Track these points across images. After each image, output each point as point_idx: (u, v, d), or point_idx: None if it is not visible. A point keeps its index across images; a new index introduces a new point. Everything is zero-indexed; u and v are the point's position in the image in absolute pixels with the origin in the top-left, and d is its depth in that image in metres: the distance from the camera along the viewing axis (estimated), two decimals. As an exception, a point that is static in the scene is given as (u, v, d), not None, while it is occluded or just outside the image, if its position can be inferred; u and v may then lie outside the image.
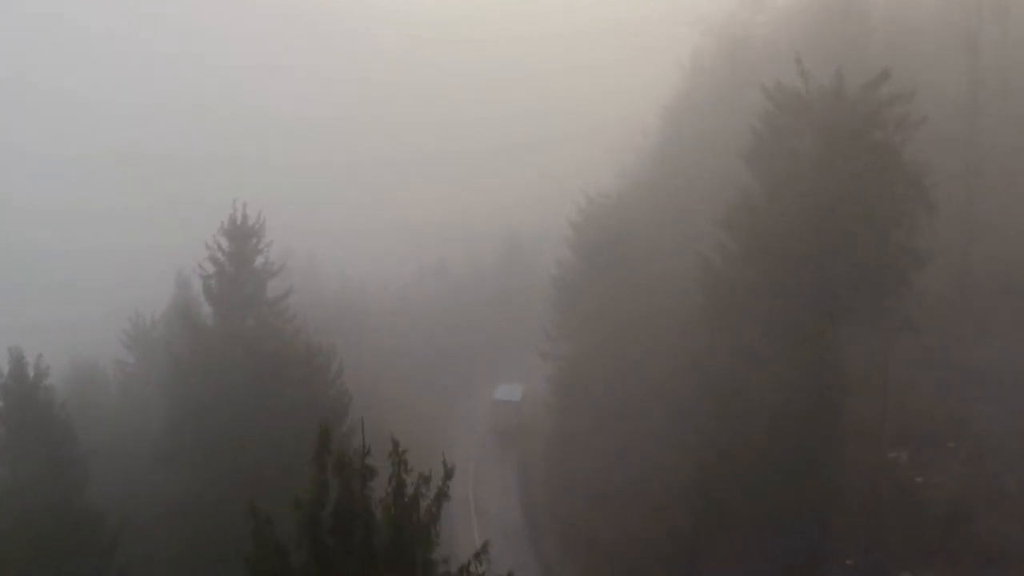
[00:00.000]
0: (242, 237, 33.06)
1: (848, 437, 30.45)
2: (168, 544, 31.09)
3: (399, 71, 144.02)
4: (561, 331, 52.32)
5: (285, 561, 13.99)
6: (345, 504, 13.91)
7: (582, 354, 48.67)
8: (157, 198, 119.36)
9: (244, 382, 30.57)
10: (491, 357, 68.62)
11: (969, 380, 34.91)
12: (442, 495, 14.45)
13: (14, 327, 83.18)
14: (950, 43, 41.67)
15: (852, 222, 28.39)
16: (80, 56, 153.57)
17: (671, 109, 63.63)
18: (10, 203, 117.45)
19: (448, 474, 14.76)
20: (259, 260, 33.78)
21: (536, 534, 43.94)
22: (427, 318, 75.88)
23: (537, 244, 79.52)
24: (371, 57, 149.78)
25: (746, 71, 48.88)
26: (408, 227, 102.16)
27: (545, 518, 45.20)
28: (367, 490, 14.06)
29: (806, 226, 28.21)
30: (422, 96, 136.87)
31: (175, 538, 31.09)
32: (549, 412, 51.90)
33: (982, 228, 38.61)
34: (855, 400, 30.45)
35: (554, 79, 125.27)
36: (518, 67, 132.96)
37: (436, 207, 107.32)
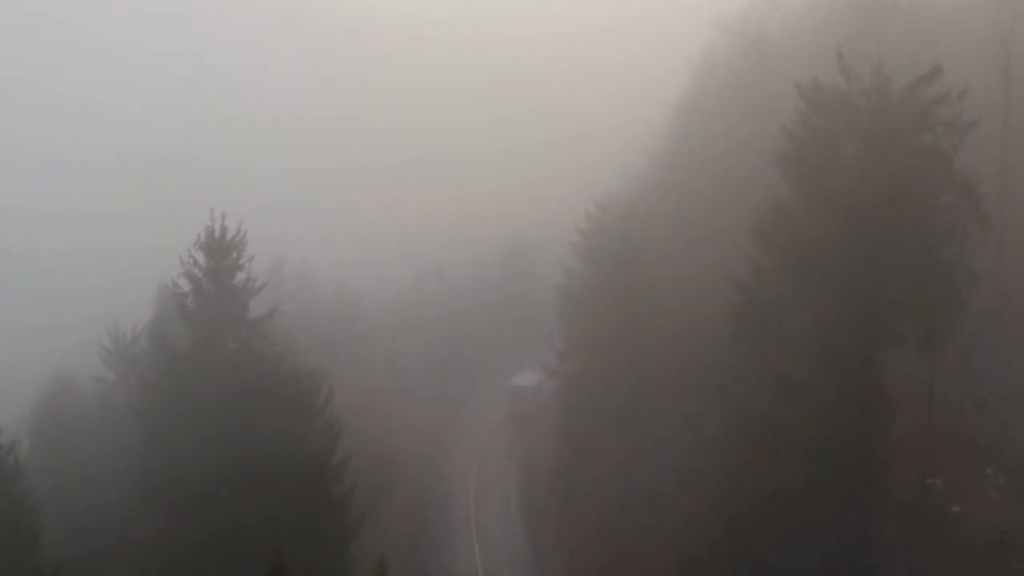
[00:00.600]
0: (221, 251, 30.00)
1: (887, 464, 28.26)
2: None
3: (399, 71, 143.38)
4: (568, 344, 50.18)
5: None
6: None
7: (590, 366, 46.49)
8: (157, 198, 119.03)
9: (223, 412, 27.72)
10: (491, 362, 67.67)
11: (1004, 399, 32.87)
12: None
13: (14, 328, 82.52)
14: (979, 40, 39.32)
15: (898, 234, 25.87)
16: (80, 56, 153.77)
17: (680, 109, 61.52)
18: (10, 203, 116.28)
19: None
20: (240, 276, 30.66)
21: (541, 557, 42.29)
22: (426, 323, 75.22)
23: (539, 247, 78.91)
24: (371, 57, 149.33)
25: (760, 69, 46.71)
26: (407, 230, 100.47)
27: (550, 541, 43.45)
28: None
29: (847, 238, 25.65)
30: (422, 96, 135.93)
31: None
32: (555, 429, 49.82)
33: (1013, 233, 36.21)
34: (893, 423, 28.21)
35: (556, 79, 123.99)
36: (519, 67, 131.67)
37: (436, 209, 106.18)
